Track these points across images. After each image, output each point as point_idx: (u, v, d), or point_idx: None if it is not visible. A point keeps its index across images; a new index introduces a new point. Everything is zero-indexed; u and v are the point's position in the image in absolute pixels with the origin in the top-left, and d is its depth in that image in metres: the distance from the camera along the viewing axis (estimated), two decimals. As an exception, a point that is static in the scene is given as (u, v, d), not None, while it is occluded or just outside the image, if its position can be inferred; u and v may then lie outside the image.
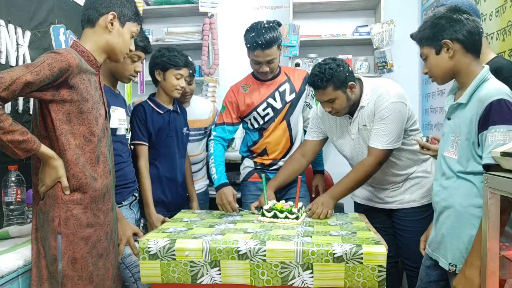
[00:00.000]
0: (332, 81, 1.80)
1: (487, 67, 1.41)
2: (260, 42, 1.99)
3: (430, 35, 1.43)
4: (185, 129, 2.18)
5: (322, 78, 1.80)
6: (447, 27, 1.39)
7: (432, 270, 1.58)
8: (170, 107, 2.11)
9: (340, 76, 1.80)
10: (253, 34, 2.02)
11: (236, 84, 2.27)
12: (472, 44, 1.39)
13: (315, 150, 2.12)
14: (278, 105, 2.18)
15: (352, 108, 1.91)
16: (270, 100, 2.18)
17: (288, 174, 2.12)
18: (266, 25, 2.03)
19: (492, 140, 1.27)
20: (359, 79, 1.91)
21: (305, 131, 2.25)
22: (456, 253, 1.42)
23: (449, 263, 1.43)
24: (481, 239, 1.27)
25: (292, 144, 2.24)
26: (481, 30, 1.41)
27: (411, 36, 1.56)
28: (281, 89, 2.19)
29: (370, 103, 1.86)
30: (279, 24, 2.11)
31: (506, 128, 1.26)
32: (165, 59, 2.02)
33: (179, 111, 2.16)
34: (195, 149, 2.35)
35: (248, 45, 2.05)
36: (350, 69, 1.87)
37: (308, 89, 2.23)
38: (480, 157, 1.33)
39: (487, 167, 1.29)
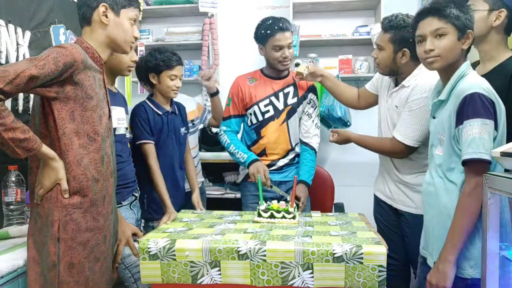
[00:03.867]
0: (394, 31, 1.79)
1: (467, 62, 1.42)
2: (281, 24, 2.08)
3: (462, 18, 1.37)
4: (183, 129, 2.16)
5: (390, 21, 1.81)
6: (473, 21, 1.39)
7: (427, 266, 1.57)
8: (168, 108, 2.10)
9: (405, 35, 1.75)
10: (270, 21, 2.12)
11: (242, 75, 2.28)
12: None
13: (367, 101, 2.13)
14: (280, 105, 2.19)
15: (398, 80, 1.89)
16: (273, 99, 2.19)
17: (343, 85, 2.20)
18: (276, 16, 2.15)
19: (468, 135, 1.28)
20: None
21: (302, 141, 2.25)
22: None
23: (434, 262, 1.45)
24: (454, 234, 1.32)
25: (292, 148, 2.23)
26: None
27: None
28: (285, 91, 2.21)
29: (409, 88, 1.82)
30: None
31: (480, 122, 1.27)
32: (157, 62, 2.00)
33: (177, 112, 2.15)
34: None
35: (268, 31, 2.10)
36: None
37: (309, 98, 2.23)
38: (461, 151, 1.34)
39: (465, 163, 1.30)
